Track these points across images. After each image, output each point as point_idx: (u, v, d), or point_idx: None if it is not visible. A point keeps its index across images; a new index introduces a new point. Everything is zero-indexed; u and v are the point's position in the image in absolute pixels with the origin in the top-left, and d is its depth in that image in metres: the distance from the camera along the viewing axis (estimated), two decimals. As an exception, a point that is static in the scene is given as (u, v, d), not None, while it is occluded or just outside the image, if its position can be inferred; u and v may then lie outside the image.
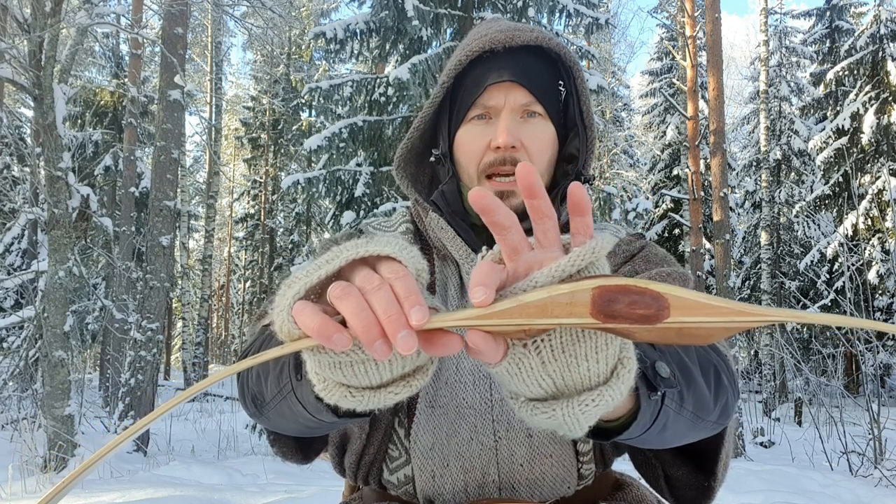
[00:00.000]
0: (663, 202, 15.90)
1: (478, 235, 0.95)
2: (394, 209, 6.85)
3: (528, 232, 0.98)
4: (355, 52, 8.17)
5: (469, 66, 0.93)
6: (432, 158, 0.99)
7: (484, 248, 0.53)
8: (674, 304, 0.45)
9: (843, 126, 13.13)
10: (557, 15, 8.18)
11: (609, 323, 0.45)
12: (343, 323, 0.47)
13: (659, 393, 0.61)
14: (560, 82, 0.95)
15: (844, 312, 7.44)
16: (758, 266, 15.22)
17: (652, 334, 0.47)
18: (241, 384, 0.79)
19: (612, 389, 0.52)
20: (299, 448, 0.91)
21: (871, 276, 12.00)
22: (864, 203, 12.41)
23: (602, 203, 9.53)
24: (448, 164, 0.96)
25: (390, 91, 7.49)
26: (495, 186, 0.91)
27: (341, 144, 7.74)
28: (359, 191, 7.93)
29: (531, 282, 0.47)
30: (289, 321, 0.48)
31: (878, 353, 6.62)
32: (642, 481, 0.97)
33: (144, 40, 10.91)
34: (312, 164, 9.63)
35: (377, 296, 0.46)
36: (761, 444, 8.03)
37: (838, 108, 14.29)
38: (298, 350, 0.49)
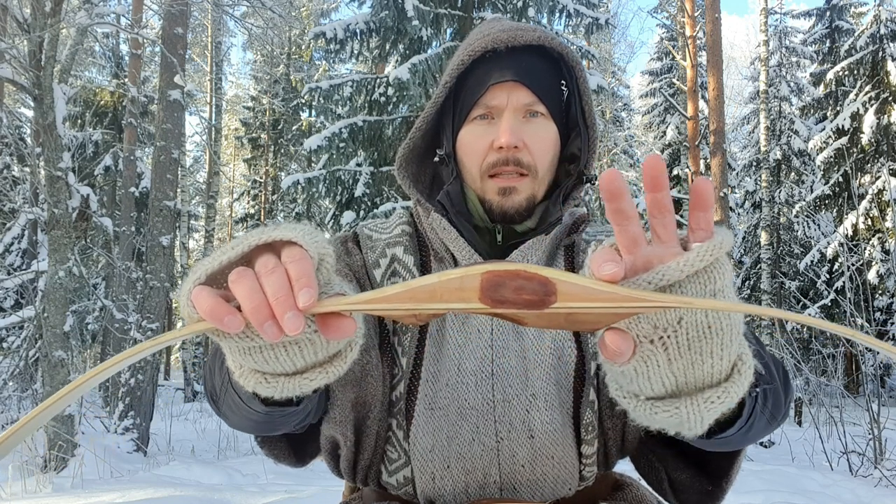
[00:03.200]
0: (663, 202, 15.87)
1: (481, 237, 0.94)
2: (393, 209, 6.85)
3: (521, 235, 0.97)
4: (355, 52, 8.18)
5: (471, 65, 0.93)
6: (436, 158, 0.98)
7: (593, 243, 0.52)
8: (561, 290, 0.46)
9: (843, 126, 13.13)
10: (557, 15, 8.18)
11: (497, 308, 0.46)
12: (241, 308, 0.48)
13: (759, 389, 0.61)
14: (562, 82, 0.95)
15: (844, 313, 7.43)
16: (758, 266, 15.22)
17: (542, 320, 0.47)
18: (204, 383, 0.79)
19: (735, 386, 0.52)
20: (292, 451, 0.91)
21: (871, 276, 12.00)
22: (864, 203, 12.40)
23: (602, 203, 9.53)
24: (452, 164, 0.95)
25: (390, 91, 7.49)
26: (500, 182, 0.90)
27: (341, 144, 7.74)
28: (359, 191, 7.93)
29: (658, 275, 0.47)
30: (188, 305, 0.49)
31: (878, 353, 6.61)
32: (642, 482, 0.97)
33: (144, 40, 10.91)
34: (312, 164, 9.64)
35: (270, 278, 0.47)
36: (761, 444, 8.02)
37: (838, 108, 14.29)
38: (196, 333, 0.49)
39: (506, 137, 0.88)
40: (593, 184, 0.99)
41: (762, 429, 0.69)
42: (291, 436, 0.90)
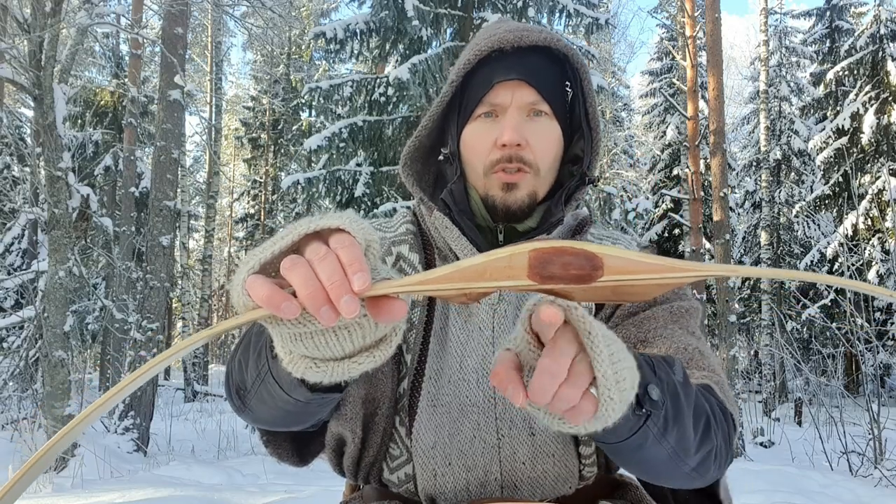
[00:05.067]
0: (663, 202, 15.89)
1: (483, 236, 0.95)
2: (394, 209, 6.85)
3: (523, 235, 0.98)
4: (355, 52, 8.17)
5: (477, 65, 0.93)
6: (441, 157, 0.99)
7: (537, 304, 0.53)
8: (607, 264, 0.47)
9: (843, 126, 13.12)
10: (557, 15, 8.17)
11: (546, 284, 0.48)
12: (295, 294, 0.49)
13: (643, 410, 0.63)
14: (567, 83, 0.95)
15: (844, 313, 7.43)
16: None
17: (588, 293, 0.49)
18: (227, 379, 0.80)
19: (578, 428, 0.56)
20: (295, 450, 0.91)
21: (871, 276, 11.99)
22: (864, 203, 12.39)
23: (602, 203, 9.52)
24: (456, 163, 0.96)
25: (390, 91, 7.49)
26: (502, 178, 0.91)
27: (341, 144, 7.74)
28: (359, 191, 7.93)
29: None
30: (243, 294, 0.50)
31: (878, 353, 6.62)
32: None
33: (144, 40, 10.91)
34: (312, 164, 9.63)
35: (323, 265, 0.48)
36: (761, 444, 8.01)
37: (838, 108, 14.28)
38: (252, 320, 0.51)
39: (508, 135, 0.89)
40: (595, 184, 1.00)
41: (664, 463, 0.69)
42: (296, 436, 0.91)
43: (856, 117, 13.03)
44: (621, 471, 0.99)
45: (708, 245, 13.71)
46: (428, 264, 0.96)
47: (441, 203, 0.95)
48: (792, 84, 16.52)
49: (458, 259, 0.94)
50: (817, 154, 13.86)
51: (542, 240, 0.49)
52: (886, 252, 12.20)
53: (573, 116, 0.97)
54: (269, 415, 0.75)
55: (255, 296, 0.49)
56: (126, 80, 10.64)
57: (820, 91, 15.17)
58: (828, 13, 16.19)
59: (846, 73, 13.59)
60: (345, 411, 0.86)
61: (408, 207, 1.07)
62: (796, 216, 14.55)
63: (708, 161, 12.48)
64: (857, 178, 12.81)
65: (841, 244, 10.91)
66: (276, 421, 0.77)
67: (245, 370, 0.73)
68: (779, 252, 14.88)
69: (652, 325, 0.87)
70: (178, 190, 8.31)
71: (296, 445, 0.92)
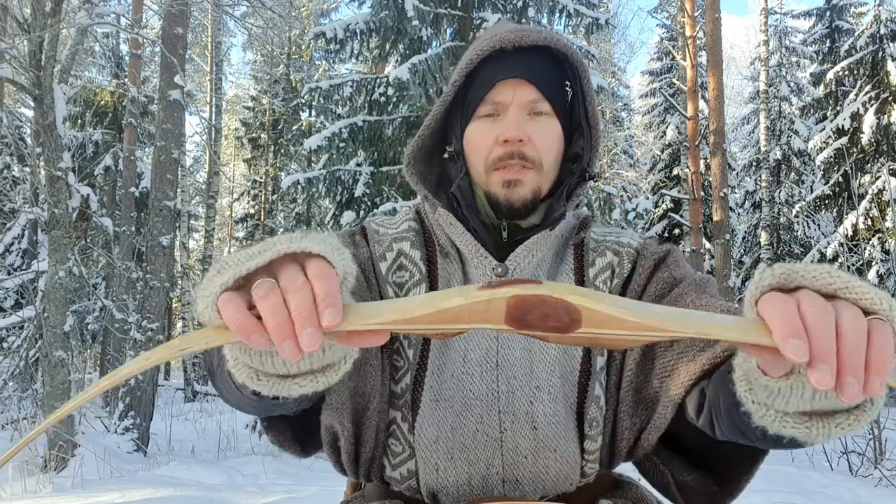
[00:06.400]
0: (663, 202, 15.89)
1: (487, 233, 0.95)
2: (394, 209, 6.85)
3: (526, 231, 0.98)
4: (355, 52, 8.17)
5: (479, 65, 0.95)
6: (445, 156, 1.00)
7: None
8: (585, 317, 0.47)
9: (843, 126, 13.12)
10: (557, 15, 8.17)
11: (522, 330, 0.48)
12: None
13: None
14: (566, 83, 0.97)
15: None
16: (758, 266, 15.18)
17: (564, 340, 0.49)
18: (205, 357, 0.80)
19: (866, 414, 0.53)
20: (296, 439, 0.91)
21: (871, 276, 11.99)
22: (864, 203, 12.39)
23: (602, 203, 9.51)
24: (461, 161, 0.97)
25: (390, 91, 7.48)
26: (504, 175, 0.92)
27: (341, 144, 7.73)
28: (359, 191, 7.92)
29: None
30: (212, 309, 0.50)
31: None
32: (642, 481, 0.98)
33: (144, 40, 10.91)
34: (312, 164, 9.63)
35: (295, 296, 0.48)
36: (761, 444, 8.01)
37: (838, 108, 14.28)
38: (220, 344, 0.51)
39: (511, 132, 0.90)
40: (596, 181, 1.01)
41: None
42: (296, 424, 0.91)
43: (856, 117, 13.03)
44: (620, 469, 0.99)
45: (708, 245, 13.71)
46: (429, 261, 0.97)
47: (449, 198, 0.96)
48: (792, 84, 16.53)
49: (459, 254, 0.95)
50: (817, 154, 13.86)
51: (524, 281, 0.49)
52: (886, 252, 12.19)
53: (573, 115, 0.98)
54: (234, 401, 0.75)
55: (226, 318, 0.49)
56: (126, 80, 10.65)
57: (820, 91, 15.17)
58: (828, 13, 16.19)
59: (846, 73, 13.59)
60: (331, 401, 0.85)
61: (409, 206, 1.07)
62: (796, 216, 14.55)
63: (708, 161, 12.48)
64: (857, 178, 12.80)
65: (841, 244, 10.91)
66: (242, 408, 0.77)
67: (212, 356, 0.73)
68: (779, 252, 14.88)
69: (689, 300, 0.86)
70: (178, 190, 8.30)
71: (296, 434, 0.91)
